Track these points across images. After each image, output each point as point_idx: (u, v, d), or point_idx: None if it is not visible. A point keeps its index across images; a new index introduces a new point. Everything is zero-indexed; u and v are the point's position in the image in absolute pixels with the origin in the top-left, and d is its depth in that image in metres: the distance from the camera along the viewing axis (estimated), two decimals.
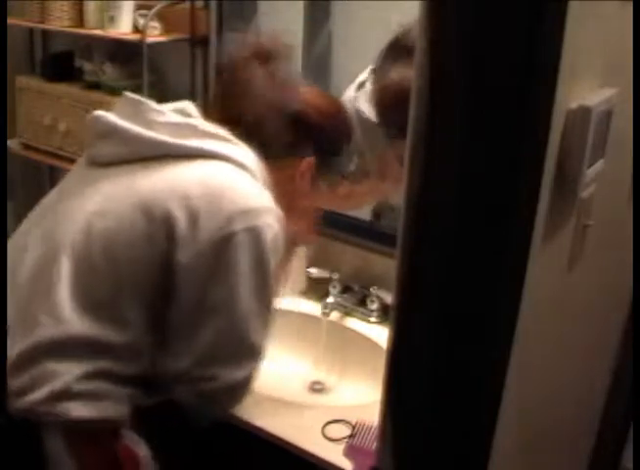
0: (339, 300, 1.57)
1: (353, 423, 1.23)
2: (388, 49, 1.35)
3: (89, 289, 1.00)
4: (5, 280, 1.05)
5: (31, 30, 2.23)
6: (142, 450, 1.06)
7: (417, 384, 0.79)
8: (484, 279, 0.73)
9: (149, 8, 1.83)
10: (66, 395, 0.96)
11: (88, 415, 0.98)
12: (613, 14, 0.85)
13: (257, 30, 1.76)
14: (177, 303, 1.01)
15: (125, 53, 1.96)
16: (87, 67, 2.03)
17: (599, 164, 0.87)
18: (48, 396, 0.96)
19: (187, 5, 1.85)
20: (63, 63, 2.11)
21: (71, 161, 2.06)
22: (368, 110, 1.55)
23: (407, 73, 1.25)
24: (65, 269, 0.99)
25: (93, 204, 1.03)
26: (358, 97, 1.56)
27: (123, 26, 1.86)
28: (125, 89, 1.94)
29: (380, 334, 1.48)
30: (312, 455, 1.16)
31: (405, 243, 0.75)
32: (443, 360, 0.77)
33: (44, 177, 2.41)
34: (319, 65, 1.71)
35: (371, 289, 1.58)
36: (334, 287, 1.60)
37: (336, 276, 1.60)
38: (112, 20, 1.85)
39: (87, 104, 1.97)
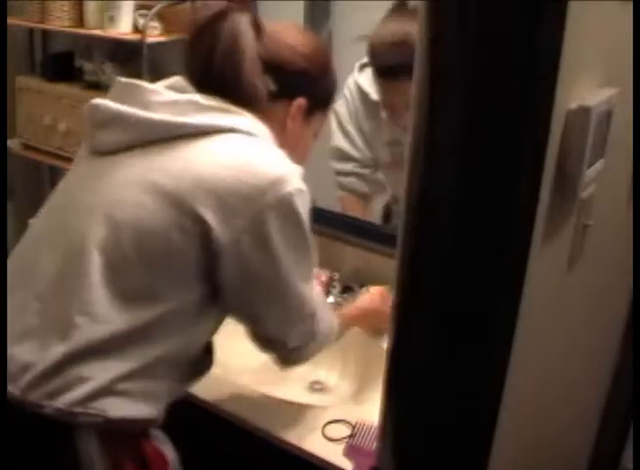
0: (339, 300, 1.57)
1: (353, 423, 1.23)
2: (389, 11, 1.42)
3: (123, 280, 0.98)
4: (5, 280, 1.04)
5: (31, 30, 2.23)
6: (169, 451, 1.07)
7: (417, 384, 0.79)
8: (484, 279, 0.73)
9: (149, 8, 1.83)
10: (103, 394, 0.96)
11: (126, 414, 0.98)
12: (613, 14, 0.85)
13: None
14: (223, 279, 1.01)
15: (125, 53, 1.96)
16: (87, 67, 2.03)
17: (599, 164, 0.87)
18: (86, 395, 0.95)
19: (187, 5, 1.85)
20: (63, 63, 2.11)
21: (71, 161, 2.05)
22: (370, 89, 1.56)
23: (403, 25, 1.29)
24: (94, 265, 0.98)
25: (108, 194, 1.01)
26: (360, 77, 1.57)
27: (123, 26, 1.86)
28: None
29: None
30: (312, 455, 1.16)
31: (405, 243, 0.75)
32: (443, 360, 0.77)
33: (44, 177, 2.41)
34: None
35: (371, 289, 1.57)
36: (334, 287, 1.60)
37: (336, 276, 1.60)
38: (112, 20, 1.85)
39: None
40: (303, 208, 1.01)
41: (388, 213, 1.68)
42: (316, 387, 1.48)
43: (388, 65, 1.43)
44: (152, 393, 1.01)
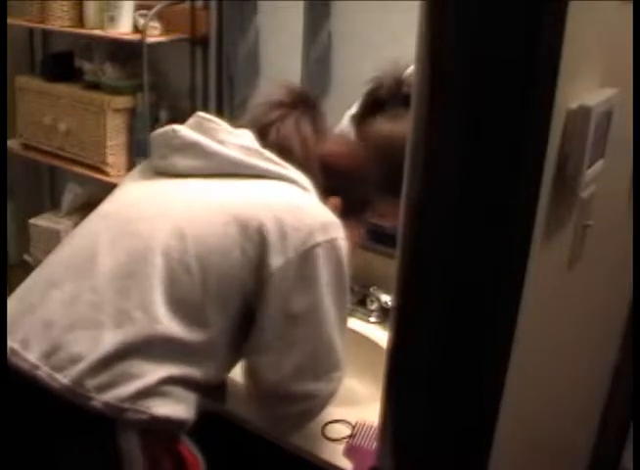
0: None
1: (353, 423, 1.23)
2: (365, 99, 1.38)
3: (181, 292, 1.02)
4: (5, 274, 1.05)
5: (31, 30, 2.23)
6: (198, 454, 1.10)
7: (417, 384, 0.79)
8: (484, 279, 0.73)
9: (149, 8, 1.83)
10: (150, 393, 0.98)
11: (168, 414, 1.00)
12: (613, 14, 0.85)
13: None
14: (263, 313, 1.05)
15: (125, 53, 1.97)
16: (87, 67, 2.03)
17: (599, 164, 0.87)
18: (134, 392, 0.97)
19: (187, 5, 1.85)
20: (63, 63, 2.11)
21: (71, 161, 2.06)
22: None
23: (384, 128, 1.29)
24: (158, 270, 1.01)
25: (178, 209, 1.07)
26: (351, 132, 1.55)
27: (123, 26, 1.86)
28: (125, 89, 1.96)
29: (380, 334, 1.48)
30: (312, 455, 1.16)
31: (405, 243, 0.75)
32: (443, 360, 0.77)
33: (44, 177, 2.41)
34: (319, 64, 1.71)
35: (371, 289, 1.58)
36: None
37: None
38: (112, 20, 1.85)
39: (87, 104, 1.98)
40: (345, 258, 1.08)
41: None
42: None
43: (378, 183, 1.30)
44: (187, 398, 1.04)
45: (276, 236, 1.03)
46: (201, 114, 1.17)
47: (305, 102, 1.20)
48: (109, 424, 0.97)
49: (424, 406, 0.79)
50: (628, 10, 0.88)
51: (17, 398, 1.00)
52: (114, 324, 0.99)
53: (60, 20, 1.94)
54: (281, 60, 1.75)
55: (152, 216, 1.07)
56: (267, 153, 1.12)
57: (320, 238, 1.05)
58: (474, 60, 0.66)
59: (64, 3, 1.93)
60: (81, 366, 0.96)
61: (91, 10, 1.91)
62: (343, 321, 1.11)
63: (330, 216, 1.09)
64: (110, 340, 0.98)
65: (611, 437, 1.49)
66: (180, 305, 1.01)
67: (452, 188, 0.71)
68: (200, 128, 1.14)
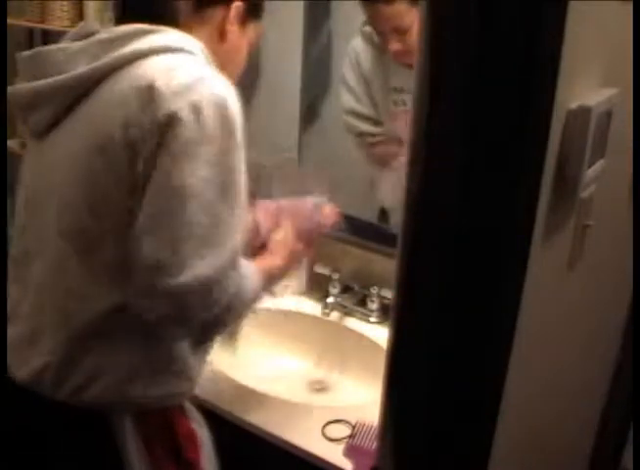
0: (339, 300, 1.57)
1: (353, 423, 1.23)
2: None
3: (84, 239, 0.96)
4: (5, 278, 1.04)
5: (31, 30, 2.23)
6: (202, 428, 1.08)
7: (417, 384, 0.79)
8: (484, 279, 0.73)
9: None
10: (124, 381, 0.97)
11: (151, 394, 0.99)
12: (613, 14, 0.85)
13: None
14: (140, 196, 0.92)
15: None
16: None
17: (599, 165, 0.87)
18: (106, 386, 0.96)
19: None
20: None
21: None
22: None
23: None
24: (62, 250, 0.97)
25: (53, 177, 1.01)
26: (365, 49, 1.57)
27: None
28: None
29: (380, 334, 1.48)
30: (312, 455, 1.16)
31: (405, 243, 0.75)
32: (443, 361, 0.77)
33: None
34: (319, 64, 1.71)
35: (371, 289, 1.58)
36: (334, 287, 1.60)
37: (336, 276, 1.60)
38: (112, 20, 1.85)
39: None
40: (218, 115, 0.93)
41: (383, 213, 1.67)
42: (316, 387, 1.48)
43: None
44: (170, 368, 1.01)
45: (126, 123, 0.91)
46: (23, 54, 1.05)
47: None
48: (101, 416, 0.97)
49: (424, 406, 0.79)
50: (628, 10, 0.88)
51: (12, 398, 1.01)
52: (60, 324, 0.97)
53: (60, 20, 1.94)
54: (281, 60, 1.74)
55: (40, 199, 1.03)
56: (110, 33, 1.00)
57: (179, 104, 0.90)
58: (474, 60, 0.66)
59: (64, 3, 1.93)
60: (49, 374, 0.97)
61: (91, 10, 1.91)
62: (229, 192, 0.92)
63: (192, 74, 0.93)
64: (63, 339, 0.97)
65: (611, 437, 1.49)
66: (86, 247, 0.95)
67: (452, 188, 0.71)
68: (34, 71, 1.01)
